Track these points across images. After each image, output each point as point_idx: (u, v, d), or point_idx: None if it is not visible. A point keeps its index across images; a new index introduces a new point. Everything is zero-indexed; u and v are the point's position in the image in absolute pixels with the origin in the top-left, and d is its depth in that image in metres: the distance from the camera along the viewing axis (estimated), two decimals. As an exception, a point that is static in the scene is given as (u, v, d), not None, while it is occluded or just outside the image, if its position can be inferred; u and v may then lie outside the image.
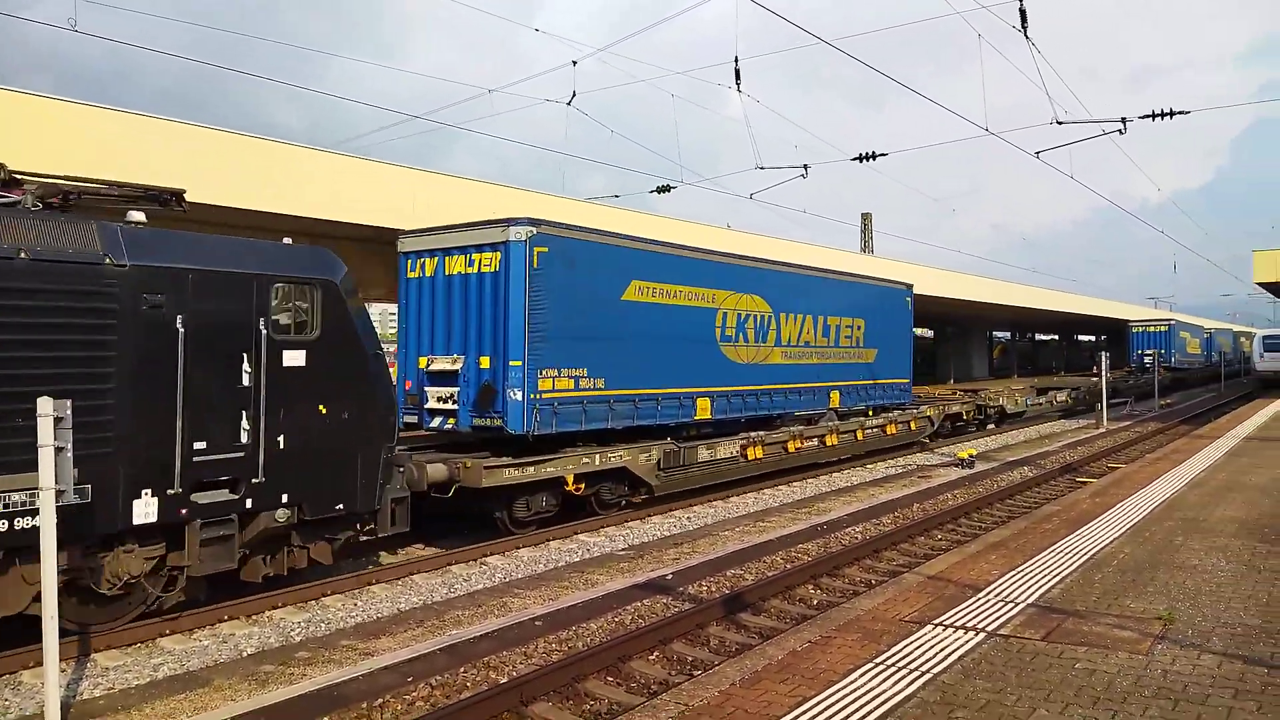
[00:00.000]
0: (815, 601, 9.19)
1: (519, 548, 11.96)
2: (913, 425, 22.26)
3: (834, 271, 20.54)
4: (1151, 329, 47.12)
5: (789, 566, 10.43)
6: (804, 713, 4.57)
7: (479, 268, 12.17)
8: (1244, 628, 5.82)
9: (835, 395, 19.13)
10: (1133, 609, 6.26)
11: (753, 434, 16.14)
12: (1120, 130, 16.68)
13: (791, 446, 17.01)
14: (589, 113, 18.73)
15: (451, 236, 12.61)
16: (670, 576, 10.11)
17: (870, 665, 5.24)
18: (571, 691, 6.77)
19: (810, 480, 18.01)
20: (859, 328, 19.98)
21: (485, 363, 12.08)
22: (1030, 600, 6.53)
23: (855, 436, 19.34)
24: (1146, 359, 35.77)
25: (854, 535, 12.33)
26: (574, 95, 16.57)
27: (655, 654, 7.62)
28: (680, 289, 14.72)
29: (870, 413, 20.68)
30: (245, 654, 8.02)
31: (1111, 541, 8.48)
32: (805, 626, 6.29)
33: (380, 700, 6.63)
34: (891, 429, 20.87)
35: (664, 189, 19.33)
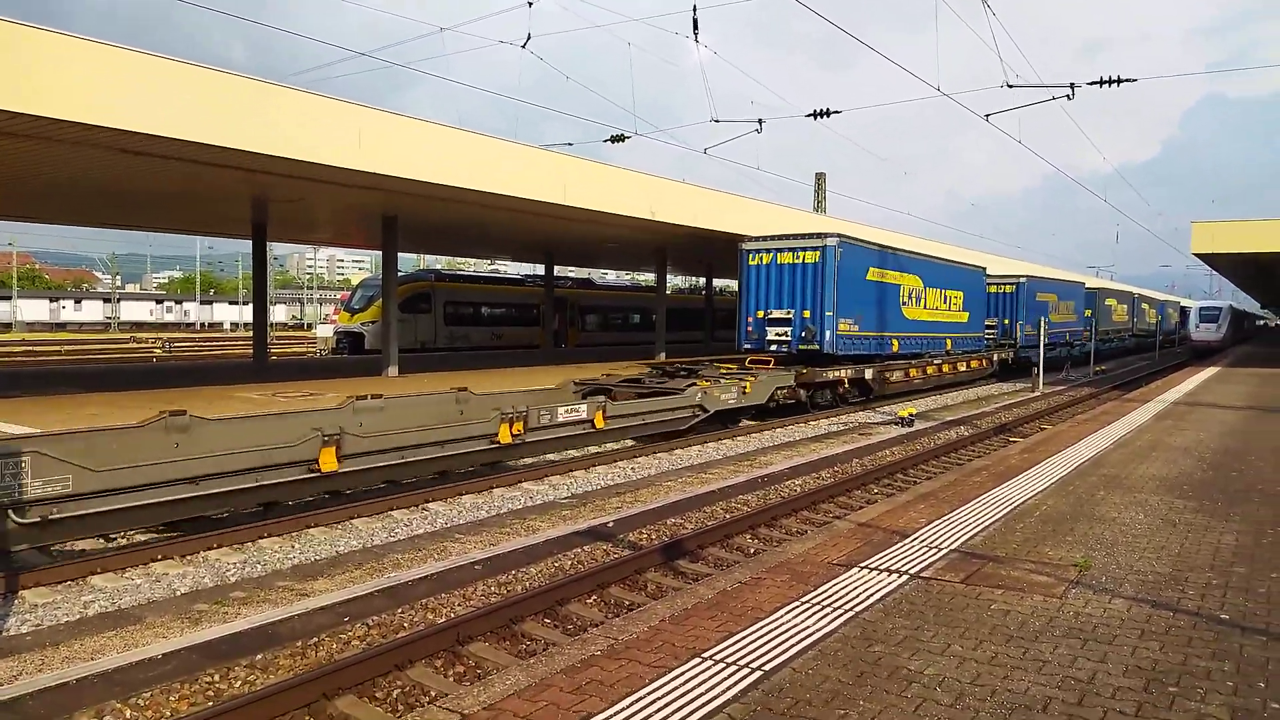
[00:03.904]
0: (752, 550, 9.38)
1: (462, 494, 11.99)
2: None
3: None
4: (786, 258, 21.01)
5: (728, 516, 10.61)
6: (729, 645, 4.69)
7: None
8: (1155, 575, 6.08)
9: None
10: (1051, 556, 6.50)
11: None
12: (1069, 96, 16.94)
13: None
14: (544, 57, 18.35)
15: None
16: (611, 524, 10.23)
17: (797, 604, 5.39)
18: (509, 632, 6.87)
19: (754, 435, 18.27)
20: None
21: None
22: (953, 546, 6.75)
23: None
24: (773, 337, 19.63)
25: (793, 488, 12.56)
26: (529, 38, 16.25)
27: (593, 598, 7.74)
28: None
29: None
30: (179, 593, 7.98)
31: (1036, 494, 8.77)
32: (736, 568, 6.43)
33: (315, 639, 6.65)
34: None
35: (618, 138, 19.16)
